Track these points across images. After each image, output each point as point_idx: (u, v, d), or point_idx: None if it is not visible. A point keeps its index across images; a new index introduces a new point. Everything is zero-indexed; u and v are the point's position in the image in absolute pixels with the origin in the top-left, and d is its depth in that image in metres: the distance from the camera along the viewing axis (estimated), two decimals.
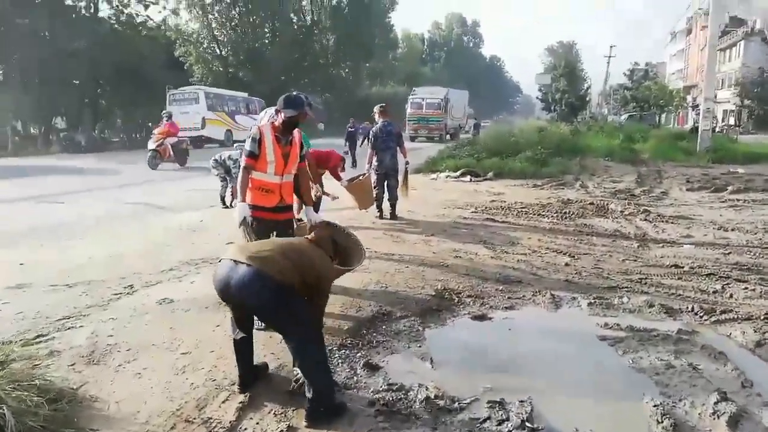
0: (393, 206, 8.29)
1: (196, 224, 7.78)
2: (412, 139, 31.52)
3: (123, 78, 29.04)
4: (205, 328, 4.01)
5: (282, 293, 2.84)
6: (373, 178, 8.18)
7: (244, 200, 3.98)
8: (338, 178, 7.73)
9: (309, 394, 2.86)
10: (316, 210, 8.11)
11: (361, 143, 17.36)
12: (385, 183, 8.23)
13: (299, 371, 3.00)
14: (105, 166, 17.03)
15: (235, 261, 2.90)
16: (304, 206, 4.38)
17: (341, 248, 3.55)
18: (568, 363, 3.60)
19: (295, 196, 4.36)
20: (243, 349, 3.19)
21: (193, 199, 10.10)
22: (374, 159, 8.20)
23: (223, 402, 3.01)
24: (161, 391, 3.13)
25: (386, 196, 8.31)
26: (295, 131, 4.09)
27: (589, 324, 4.21)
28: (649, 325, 4.12)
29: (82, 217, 8.33)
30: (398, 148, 8.27)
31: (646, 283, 5.13)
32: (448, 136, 33.50)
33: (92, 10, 30.68)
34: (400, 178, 8.40)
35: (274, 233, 4.03)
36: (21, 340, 3.67)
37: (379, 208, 8.29)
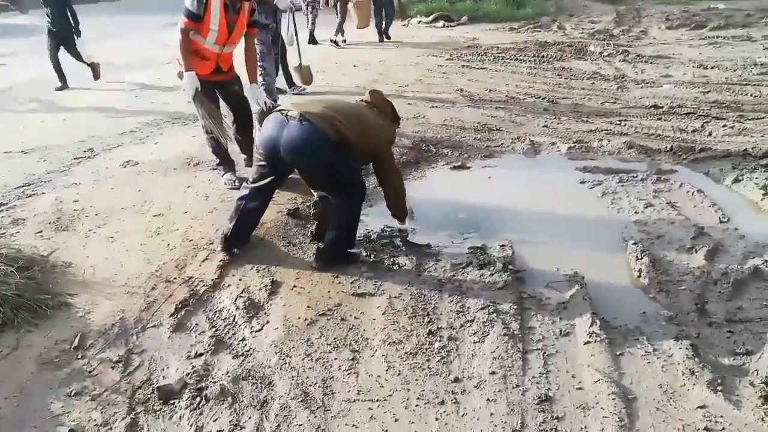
0: (387, 29, 10.37)
1: (153, 82, 7.27)
2: None
3: None
4: (176, 190, 3.84)
5: (337, 151, 2.62)
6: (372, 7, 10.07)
7: (190, 69, 3.45)
8: None
9: (325, 242, 2.92)
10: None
11: None
12: (383, 11, 10.13)
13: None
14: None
15: (285, 115, 2.64)
16: (249, 82, 3.77)
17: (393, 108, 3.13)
18: (548, 207, 3.59)
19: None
20: (250, 216, 2.98)
21: (150, 55, 9.33)
22: None
23: (203, 261, 2.95)
24: (137, 254, 3.04)
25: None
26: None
27: (569, 168, 4.17)
28: (629, 167, 4.11)
29: (28, 80, 7.68)
30: None
31: (625, 125, 5.05)
32: None
33: None
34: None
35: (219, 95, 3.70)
36: None
37: (379, 33, 10.26)
